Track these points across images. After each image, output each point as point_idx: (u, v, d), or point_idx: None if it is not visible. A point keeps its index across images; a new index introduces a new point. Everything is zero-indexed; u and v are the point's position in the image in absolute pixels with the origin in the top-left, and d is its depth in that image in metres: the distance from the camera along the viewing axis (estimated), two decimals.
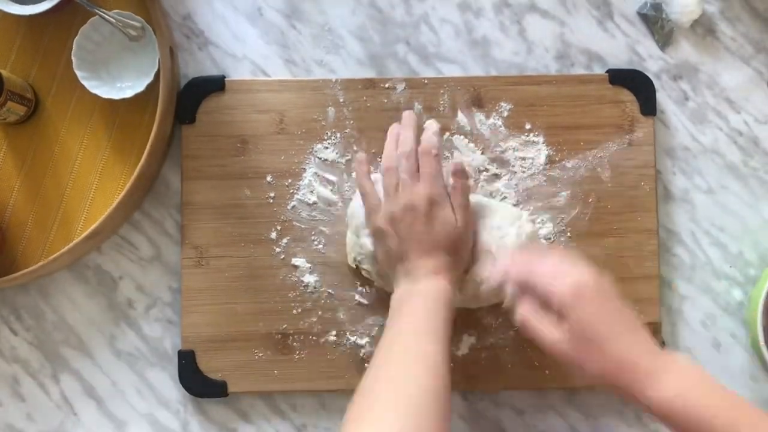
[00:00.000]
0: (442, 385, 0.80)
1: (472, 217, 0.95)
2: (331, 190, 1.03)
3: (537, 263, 0.85)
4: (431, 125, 0.96)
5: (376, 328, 1.02)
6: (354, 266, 1.01)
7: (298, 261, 1.03)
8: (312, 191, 1.03)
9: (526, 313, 0.85)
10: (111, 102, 1.00)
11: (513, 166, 1.04)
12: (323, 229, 1.03)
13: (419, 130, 0.96)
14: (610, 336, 0.80)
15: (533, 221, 1.02)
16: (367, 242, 0.97)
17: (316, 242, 1.03)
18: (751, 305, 1.02)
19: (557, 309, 0.81)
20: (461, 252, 0.93)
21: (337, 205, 1.03)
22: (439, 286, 0.89)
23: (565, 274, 0.83)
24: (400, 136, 0.95)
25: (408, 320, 0.87)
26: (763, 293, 0.99)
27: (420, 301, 0.88)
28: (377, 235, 0.94)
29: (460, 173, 0.93)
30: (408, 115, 0.97)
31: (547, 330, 0.83)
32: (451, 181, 0.93)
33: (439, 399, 0.79)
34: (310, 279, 1.02)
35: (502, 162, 1.04)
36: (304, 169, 1.04)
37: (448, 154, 1.03)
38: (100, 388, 1.05)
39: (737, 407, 0.78)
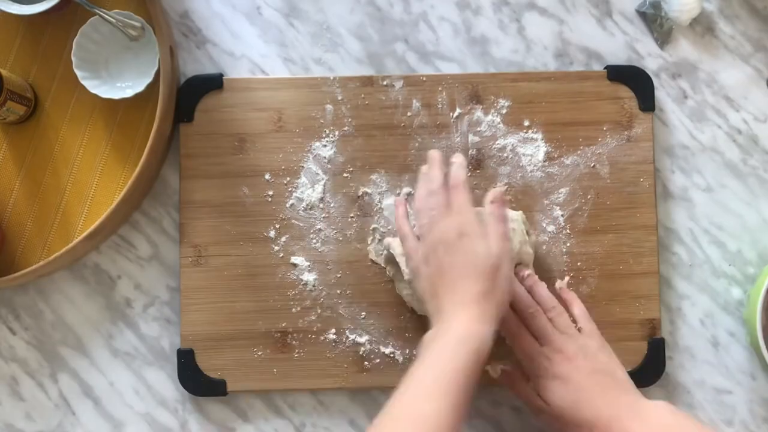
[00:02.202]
0: None
1: (509, 245, 0.94)
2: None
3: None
4: (456, 158, 0.97)
5: (376, 327, 1.05)
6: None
7: (296, 259, 1.06)
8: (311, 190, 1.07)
9: (521, 387, 0.97)
10: (111, 102, 1.03)
11: (512, 162, 1.07)
12: (321, 227, 1.06)
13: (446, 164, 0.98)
14: (594, 386, 0.92)
15: (525, 225, 1.04)
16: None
17: (314, 240, 1.06)
18: (750, 304, 1.04)
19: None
20: (497, 281, 0.90)
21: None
22: (466, 328, 0.86)
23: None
24: (427, 174, 0.97)
25: (423, 366, 0.86)
26: (762, 292, 1.01)
27: (442, 345, 0.86)
28: (414, 275, 0.95)
29: (499, 201, 0.94)
30: (433, 154, 0.99)
31: (532, 396, 0.95)
32: (488, 209, 0.94)
33: None
34: (309, 277, 1.06)
35: (500, 159, 1.07)
36: (303, 167, 1.07)
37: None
38: (98, 387, 1.08)
39: None
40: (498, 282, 0.90)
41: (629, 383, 0.94)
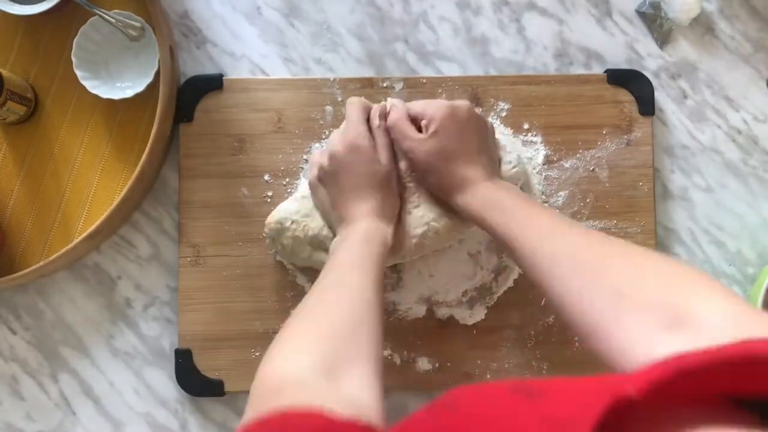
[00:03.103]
0: (366, 309, 0.82)
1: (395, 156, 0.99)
2: None
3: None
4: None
5: None
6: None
7: None
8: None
9: (398, 115, 0.98)
10: (111, 102, 1.04)
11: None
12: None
13: None
14: (457, 153, 0.95)
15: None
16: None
17: None
18: (750, 303, 1.04)
19: (427, 123, 0.96)
20: (389, 190, 0.97)
21: None
22: (370, 225, 0.94)
23: (440, 102, 0.97)
24: None
25: (339, 257, 0.91)
26: (761, 291, 1.03)
27: (352, 241, 0.92)
28: (312, 190, 1.01)
29: (381, 115, 0.99)
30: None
31: (413, 131, 0.97)
32: (375, 121, 0.98)
33: (362, 323, 0.80)
34: (307, 278, 1.07)
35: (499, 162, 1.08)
36: (302, 168, 1.08)
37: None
38: (98, 387, 1.09)
39: (534, 215, 0.88)
40: (391, 188, 0.97)
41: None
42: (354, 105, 0.99)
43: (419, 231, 0.98)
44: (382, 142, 0.97)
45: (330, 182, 0.97)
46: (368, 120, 0.98)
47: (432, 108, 0.96)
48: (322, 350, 0.75)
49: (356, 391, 0.71)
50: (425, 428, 0.55)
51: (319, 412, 0.61)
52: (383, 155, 0.97)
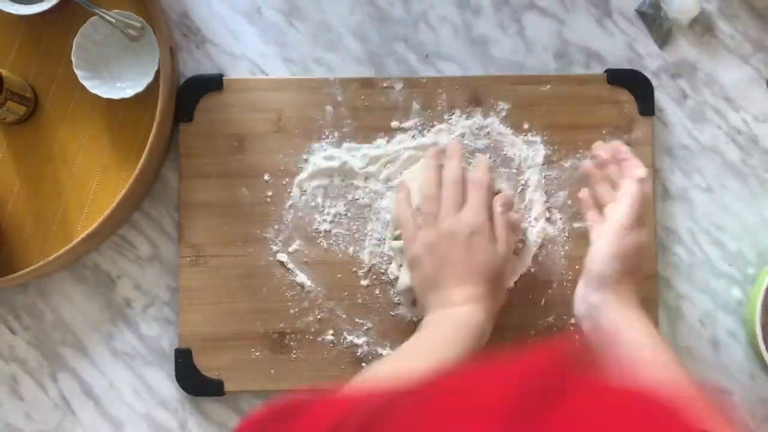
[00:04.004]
0: None
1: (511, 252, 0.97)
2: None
3: None
4: (484, 160, 1.02)
5: (373, 328, 1.07)
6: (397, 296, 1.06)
7: (295, 260, 1.07)
8: (310, 190, 1.08)
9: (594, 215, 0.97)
10: (111, 102, 1.04)
11: (511, 165, 1.08)
12: (320, 228, 1.07)
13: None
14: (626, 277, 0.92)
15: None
16: (405, 277, 1.01)
17: (313, 241, 1.07)
18: (750, 304, 1.06)
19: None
20: (500, 283, 0.95)
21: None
22: (471, 313, 0.90)
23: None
24: (446, 165, 0.99)
25: (429, 336, 0.90)
26: (761, 292, 1.03)
27: (448, 324, 0.90)
28: (413, 262, 0.97)
29: (507, 204, 0.97)
30: (454, 145, 1.02)
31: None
32: (498, 209, 0.96)
33: None
34: (307, 278, 1.07)
35: (501, 161, 1.08)
36: (302, 168, 1.08)
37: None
38: (97, 387, 1.09)
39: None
40: (501, 285, 0.96)
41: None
42: (478, 185, 0.96)
43: None
44: (502, 233, 0.95)
45: (438, 262, 0.94)
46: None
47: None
48: None
49: None
50: None
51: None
52: (502, 246, 0.95)
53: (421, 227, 0.97)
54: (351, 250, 1.07)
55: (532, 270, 1.07)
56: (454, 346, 0.87)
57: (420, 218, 0.97)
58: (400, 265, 1.04)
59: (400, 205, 1.01)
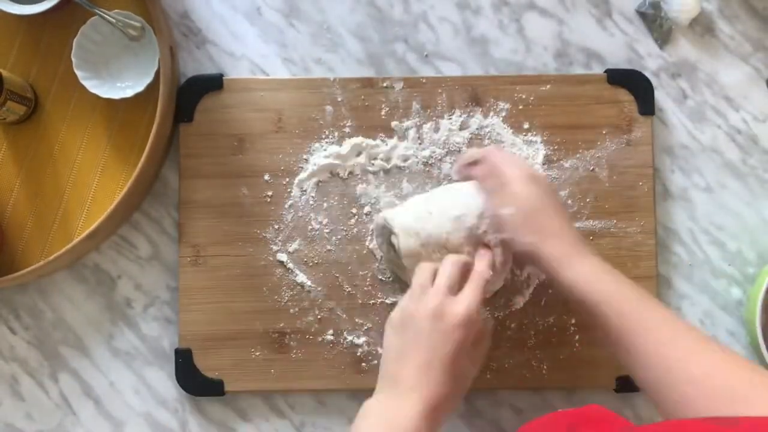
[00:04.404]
0: None
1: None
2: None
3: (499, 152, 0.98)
4: (485, 255, 0.94)
5: (373, 328, 1.07)
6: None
7: (295, 260, 1.07)
8: (310, 189, 1.08)
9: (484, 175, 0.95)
10: (111, 102, 1.04)
11: None
12: (320, 228, 1.07)
13: None
14: (547, 216, 0.91)
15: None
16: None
17: (313, 241, 1.07)
18: (750, 304, 1.06)
19: (503, 181, 0.92)
20: (460, 387, 0.88)
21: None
22: (413, 419, 0.82)
23: (524, 162, 0.98)
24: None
25: None
26: (761, 291, 1.03)
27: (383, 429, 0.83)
28: (388, 325, 0.90)
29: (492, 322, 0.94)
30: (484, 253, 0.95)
31: (498, 196, 0.93)
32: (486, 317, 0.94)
33: None
34: (307, 278, 1.07)
35: None
36: (302, 167, 1.08)
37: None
38: (98, 387, 1.09)
39: (632, 299, 0.85)
40: (462, 389, 0.89)
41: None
42: (477, 281, 0.89)
43: None
44: (484, 342, 0.91)
45: (410, 335, 0.87)
46: None
47: (516, 168, 0.94)
48: None
49: None
50: None
51: None
52: (479, 353, 0.91)
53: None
54: (351, 250, 1.07)
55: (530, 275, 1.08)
56: None
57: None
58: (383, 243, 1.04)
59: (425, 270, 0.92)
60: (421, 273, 0.90)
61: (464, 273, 0.90)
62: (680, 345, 0.80)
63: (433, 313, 0.86)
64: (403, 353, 0.86)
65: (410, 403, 0.83)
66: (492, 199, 0.93)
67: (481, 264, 0.92)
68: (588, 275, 0.87)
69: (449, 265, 0.90)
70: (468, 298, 0.87)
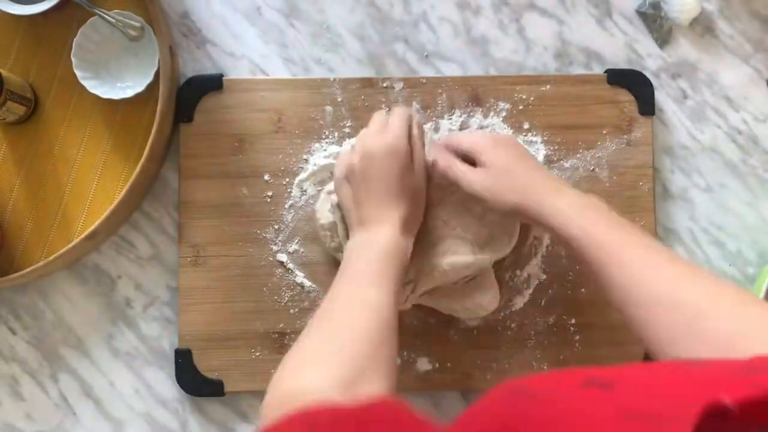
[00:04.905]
0: (386, 328, 0.84)
1: (425, 172, 0.98)
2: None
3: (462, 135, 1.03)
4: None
5: None
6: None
7: (295, 260, 1.07)
8: (310, 190, 1.08)
9: (448, 159, 0.97)
10: (111, 102, 1.04)
11: None
12: (320, 228, 1.07)
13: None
14: (518, 170, 0.94)
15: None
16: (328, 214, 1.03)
17: (313, 242, 1.07)
18: None
19: (477, 157, 0.95)
20: (419, 203, 0.97)
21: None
22: (391, 237, 0.92)
23: (482, 132, 1.02)
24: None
25: (356, 268, 0.91)
26: (761, 292, 1.03)
27: (371, 251, 0.92)
28: (337, 185, 0.98)
29: (419, 126, 0.98)
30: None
31: (468, 170, 0.95)
32: (414, 131, 0.97)
33: (382, 342, 0.83)
34: (307, 279, 1.07)
35: None
36: (302, 168, 1.08)
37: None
38: (98, 387, 1.09)
39: (607, 229, 0.86)
40: (419, 204, 0.97)
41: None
42: (400, 113, 0.97)
43: (444, 262, 0.99)
44: (419, 154, 0.96)
45: (358, 181, 0.95)
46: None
47: (478, 139, 0.98)
48: (341, 368, 0.77)
49: None
50: (502, 414, 0.54)
51: (344, 405, 0.62)
52: (418, 167, 0.96)
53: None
54: None
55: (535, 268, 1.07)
56: (376, 270, 0.90)
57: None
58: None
59: (343, 153, 1.02)
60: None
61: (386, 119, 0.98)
62: (650, 266, 0.82)
63: (364, 155, 0.94)
64: (358, 198, 0.95)
65: (383, 229, 0.92)
66: (471, 176, 0.95)
67: (400, 108, 0.99)
68: (565, 211, 0.88)
69: (375, 116, 0.99)
70: (390, 131, 0.95)
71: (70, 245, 1.03)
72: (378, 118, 0.98)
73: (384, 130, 0.96)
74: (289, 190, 1.08)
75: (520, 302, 1.07)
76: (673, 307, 0.76)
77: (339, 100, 1.09)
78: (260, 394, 1.06)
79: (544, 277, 1.07)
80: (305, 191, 1.08)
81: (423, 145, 0.98)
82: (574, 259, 0.90)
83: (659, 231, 1.09)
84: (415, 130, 0.97)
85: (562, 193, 0.90)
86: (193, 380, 1.06)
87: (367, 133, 0.97)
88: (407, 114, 0.97)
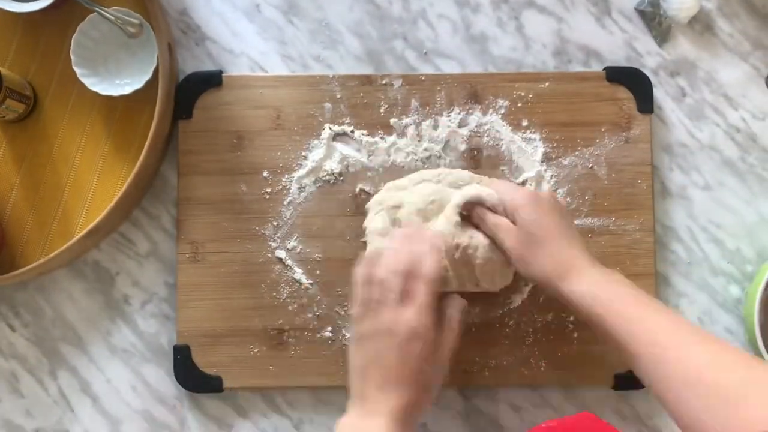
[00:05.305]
0: None
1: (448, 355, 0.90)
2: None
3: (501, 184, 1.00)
4: (437, 243, 0.93)
5: None
6: None
7: (293, 257, 1.07)
8: (309, 186, 1.08)
9: (484, 212, 0.96)
10: (110, 99, 1.04)
11: (509, 163, 1.08)
12: (319, 225, 1.07)
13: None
14: (549, 238, 0.92)
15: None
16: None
17: (311, 238, 1.07)
18: (748, 302, 1.06)
19: (513, 213, 0.94)
20: (428, 390, 0.88)
21: None
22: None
23: (524, 189, 0.97)
24: (396, 249, 0.92)
25: None
26: (760, 289, 1.03)
27: None
28: (351, 343, 0.91)
29: (461, 310, 0.92)
30: (426, 235, 0.95)
31: (503, 226, 0.94)
32: (455, 315, 0.90)
33: None
34: (305, 275, 1.07)
35: (498, 159, 1.08)
36: (301, 164, 1.08)
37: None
38: (96, 384, 1.09)
39: (637, 304, 0.86)
40: (430, 391, 0.89)
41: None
42: (428, 283, 0.88)
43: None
44: (446, 346, 0.89)
45: (368, 348, 0.87)
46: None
47: (517, 195, 0.95)
48: None
49: None
50: None
51: None
52: (442, 358, 0.88)
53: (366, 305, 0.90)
54: (350, 246, 1.07)
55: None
56: None
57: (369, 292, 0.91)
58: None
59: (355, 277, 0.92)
60: (363, 287, 0.90)
61: (408, 274, 0.89)
62: (677, 347, 0.81)
63: (384, 330, 0.86)
64: (364, 372, 0.87)
65: (377, 420, 0.84)
66: (503, 235, 0.94)
67: (428, 265, 0.89)
68: (590, 292, 0.88)
69: (392, 276, 0.88)
70: (416, 308, 0.86)
71: (70, 242, 1.03)
72: (395, 280, 0.88)
73: (410, 304, 0.87)
74: (287, 186, 1.08)
75: (518, 299, 1.07)
76: (707, 391, 0.75)
77: (338, 97, 1.08)
78: (258, 391, 1.08)
79: None
80: (304, 188, 1.07)
81: (457, 333, 0.90)
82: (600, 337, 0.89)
83: (658, 229, 1.09)
84: (455, 314, 0.90)
85: (588, 273, 0.90)
86: (192, 376, 1.06)
87: (388, 301, 0.87)
88: (435, 280, 0.88)
